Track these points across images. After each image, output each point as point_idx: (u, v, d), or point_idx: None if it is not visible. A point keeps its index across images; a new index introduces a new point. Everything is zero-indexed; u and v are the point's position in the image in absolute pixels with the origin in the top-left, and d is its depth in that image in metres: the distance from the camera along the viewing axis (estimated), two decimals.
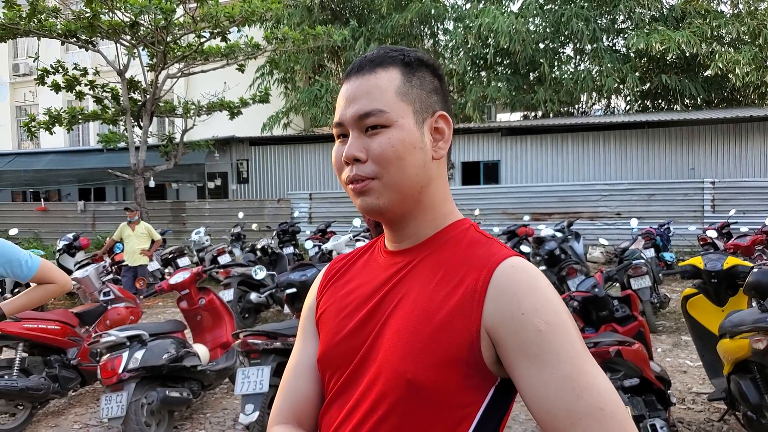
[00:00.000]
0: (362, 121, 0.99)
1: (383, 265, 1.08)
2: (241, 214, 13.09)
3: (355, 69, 1.03)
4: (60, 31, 11.74)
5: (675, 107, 17.87)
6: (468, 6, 18.86)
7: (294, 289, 5.07)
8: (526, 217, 12.22)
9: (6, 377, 4.53)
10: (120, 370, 4.07)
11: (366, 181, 0.99)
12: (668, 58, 16.70)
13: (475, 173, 15.99)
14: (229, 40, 12.60)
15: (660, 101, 19.42)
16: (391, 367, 0.96)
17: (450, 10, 18.90)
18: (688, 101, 18.15)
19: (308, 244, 9.73)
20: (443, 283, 0.97)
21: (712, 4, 17.18)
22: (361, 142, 1.00)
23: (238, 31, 13.10)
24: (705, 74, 17.32)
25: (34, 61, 12.36)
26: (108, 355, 4.20)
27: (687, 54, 15.97)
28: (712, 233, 8.91)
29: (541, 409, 0.87)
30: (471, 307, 0.93)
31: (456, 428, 0.94)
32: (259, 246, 9.94)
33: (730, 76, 15.67)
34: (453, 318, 0.93)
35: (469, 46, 17.32)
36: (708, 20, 16.00)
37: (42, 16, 11.41)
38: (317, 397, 1.11)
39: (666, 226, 9.84)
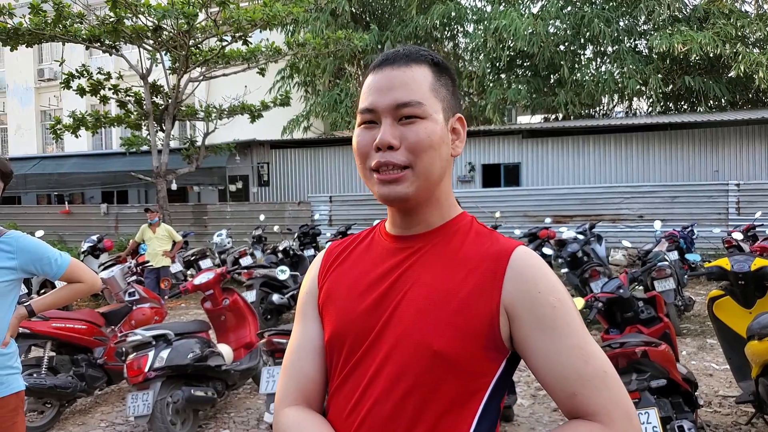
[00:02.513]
0: (399, 110, 1.05)
1: (391, 249, 1.13)
2: (262, 217, 13.16)
3: (389, 60, 1.08)
4: (84, 36, 11.92)
5: (698, 109, 17.63)
6: (489, 8, 18.78)
7: None
8: (548, 220, 12.11)
9: (35, 375, 4.61)
10: (146, 369, 4.13)
11: (399, 172, 1.04)
12: (691, 60, 16.48)
13: (495, 175, 15.92)
14: (251, 44, 12.69)
15: (683, 103, 19.17)
16: (414, 340, 1.03)
17: (470, 12, 18.85)
18: (712, 103, 17.89)
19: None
20: (459, 267, 1.06)
21: (736, 4, 16.92)
22: (395, 130, 1.04)
23: (260, 32, 13.18)
24: (729, 75, 17.06)
25: (59, 66, 12.55)
26: (134, 354, 4.26)
27: (711, 55, 15.74)
28: (737, 235, 8.76)
29: (554, 374, 0.99)
30: (492, 287, 1.03)
31: (474, 394, 1.03)
32: (280, 248, 10.00)
33: (754, 77, 15.42)
34: (475, 296, 1.03)
35: (488, 48, 17.24)
36: (732, 20, 15.76)
37: (67, 22, 11.59)
38: (322, 378, 1.14)
39: (690, 229, 9.71)
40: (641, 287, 7.06)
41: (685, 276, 7.86)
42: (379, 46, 17.89)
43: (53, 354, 4.93)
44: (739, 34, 15.80)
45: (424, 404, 1.01)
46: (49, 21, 11.43)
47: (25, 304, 2.56)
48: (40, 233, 11.89)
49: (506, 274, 1.03)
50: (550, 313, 1.00)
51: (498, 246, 1.08)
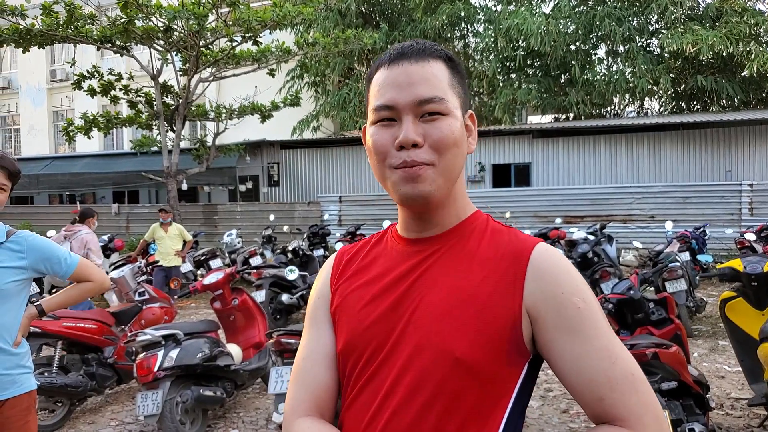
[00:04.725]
0: (421, 107, 1.00)
1: (405, 252, 1.09)
2: (272, 217, 13.19)
3: (405, 55, 1.03)
4: (96, 37, 12.00)
5: (711, 108, 17.51)
6: (499, 8, 18.74)
7: None
8: (558, 220, 12.08)
9: (46, 374, 4.64)
10: (155, 369, 4.14)
11: (422, 167, 0.99)
12: (703, 59, 16.34)
13: (506, 175, 15.87)
14: (261, 44, 12.72)
15: (695, 103, 19.02)
16: (435, 347, 0.98)
17: (480, 12, 18.81)
18: (724, 102, 17.73)
19: (339, 246, 9.77)
20: (478, 269, 1.02)
21: (749, 3, 16.76)
22: (418, 127, 1.00)
23: (270, 33, 13.21)
24: (742, 74, 16.90)
25: (71, 66, 12.64)
26: (144, 353, 4.27)
27: (723, 54, 15.60)
28: (750, 236, 8.68)
29: (582, 378, 0.95)
30: (513, 288, 0.99)
31: (498, 401, 0.99)
32: (290, 248, 10.02)
33: None
34: (495, 299, 0.99)
35: (499, 48, 17.19)
36: (746, 18, 15.61)
37: (79, 23, 11.67)
38: (336, 386, 1.10)
39: (702, 229, 9.63)
40: (652, 288, 7.01)
41: (697, 277, 7.80)
42: (389, 46, 17.87)
43: (64, 353, 4.96)
44: (753, 32, 15.65)
45: (447, 414, 0.97)
46: (61, 22, 11.51)
47: (36, 303, 2.57)
48: (51, 233, 11.97)
49: (527, 273, 0.99)
50: (575, 315, 0.96)
51: (517, 244, 1.04)
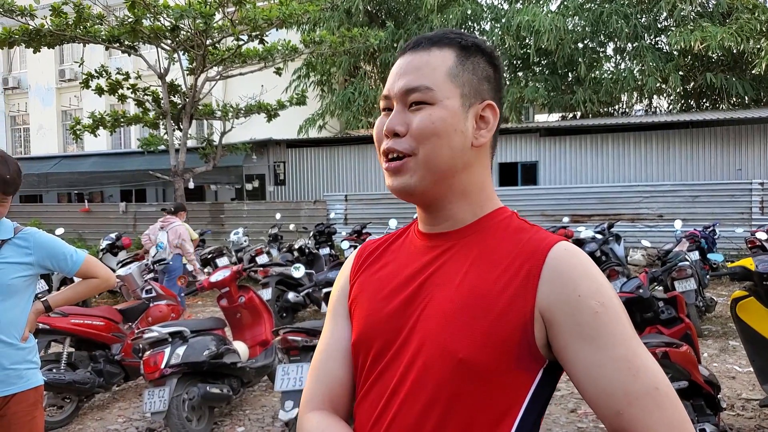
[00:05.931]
0: (407, 96, 1.00)
1: (422, 248, 1.06)
2: (278, 215, 13.19)
3: (411, 45, 1.04)
4: (104, 37, 12.05)
5: (721, 106, 17.35)
6: (506, 6, 18.68)
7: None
8: (566, 219, 12.02)
9: (54, 371, 4.67)
10: (162, 366, 4.14)
11: (403, 160, 0.99)
12: (713, 56, 16.20)
13: (512, 174, 15.81)
14: (267, 43, 12.73)
15: (704, 101, 18.89)
16: (439, 347, 0.95)
17: (487, 10, 18.76)
18: (734, 100, 17.60)
19: (344, 245, 9.77)
20: (492, 267, 0.97)
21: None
22: (403, 117, 1.00)
23: (277, 30, 13.22)
24: (752, 72, 16.75)
25: (79, 66, 12.69)
26: (150, 350, 4.27)
27: (734, 51, 15.47)
28: (761, 235, 8.58)
29: (597, 389, 0.88)
30: (525, 289, 0.93)
31: (508, 408, 0.94)
32: (296, 246, 10.02)
33: None
34: (506, 299, 0.93)
35: (506, 46, 17.14)
36: (756, 15, 15.46)
37: (87, 23, 11.72)
38: (351, 381, 1.09)
39: (711, 228, 9.56)
40: (661, 288, 6.95)
41: (707, 276, 7.74)
42: (395, 45, 17.88)
43: (72, 350, 4.98)
44: (764, 29, 15.49)
45: (449, 417, 0.94)
46: (70, 22, 11.56)
47: (42, 299, 2.57)
48: (60, 231, 12.02)
49: (542, 274, 0.93)
50: (591, 320, 0.89)
51: (536, 242, 0.97)
